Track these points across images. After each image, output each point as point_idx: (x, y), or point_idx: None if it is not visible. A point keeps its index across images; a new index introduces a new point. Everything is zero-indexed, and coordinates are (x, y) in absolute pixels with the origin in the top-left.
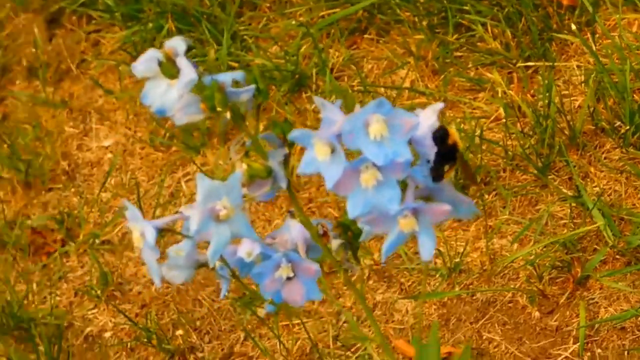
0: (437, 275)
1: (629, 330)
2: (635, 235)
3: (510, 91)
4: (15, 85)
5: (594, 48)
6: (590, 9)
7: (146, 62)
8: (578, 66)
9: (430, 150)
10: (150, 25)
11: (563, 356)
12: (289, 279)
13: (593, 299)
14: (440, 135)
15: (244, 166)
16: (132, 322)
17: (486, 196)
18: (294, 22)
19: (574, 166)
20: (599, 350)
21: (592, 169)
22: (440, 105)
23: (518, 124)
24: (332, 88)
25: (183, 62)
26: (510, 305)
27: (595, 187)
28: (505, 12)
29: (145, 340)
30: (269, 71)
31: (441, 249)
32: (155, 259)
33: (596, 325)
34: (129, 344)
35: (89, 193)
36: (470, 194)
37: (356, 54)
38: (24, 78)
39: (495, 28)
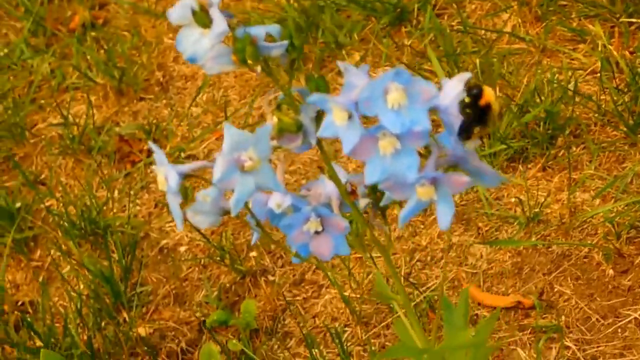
0: (515, 223)
1: None
2: None
3: (610, 46)
4: None
5: None
6: None
7: (181, 10)
8: None
9: (456, 120)
10: None
11: (632, 317)
12: (317, 232)
13: None
14: (475, 95)
15: (275, 119)
16: (207, 240)
17: (574, 148)
18: None
19: None
20: None
21: None
22: (467, 75)
23: (614, 80)
24: (432, 25)
25: (216, 13)
26: (585, 260)
27: None
28: None
29: (219, 258)
30: (371, 2)
31: (522, 197)
32: (177, 203)
33: None
34: (202, 261)
35: (180, 106)
36: (557, 145)
37: None
38: None
39: None
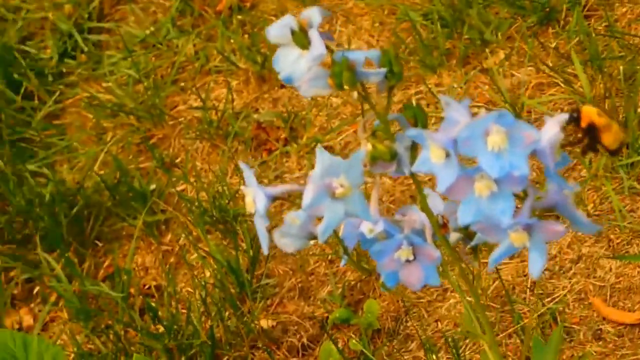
0: None
1: None
2: None
3: None
4: None
5: None
6: None
7: (280, 29)
8: None
9: (551, 162)
10: None
11: None
12: (408, 261)
13: None
14: (574, 118)
15: (369, 146)
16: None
17: None
18: None
19: None
20: None
21: None
22: (565, 116)
23: None
24: (578, 28)
25: (314, 35)
26: None
27: None
28: None
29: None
30: (520, 0)
31: None
32: (264, 227)
33: None
34: (329, 256)
35: (320, 96)
36: None
37: None
38: None
39: None
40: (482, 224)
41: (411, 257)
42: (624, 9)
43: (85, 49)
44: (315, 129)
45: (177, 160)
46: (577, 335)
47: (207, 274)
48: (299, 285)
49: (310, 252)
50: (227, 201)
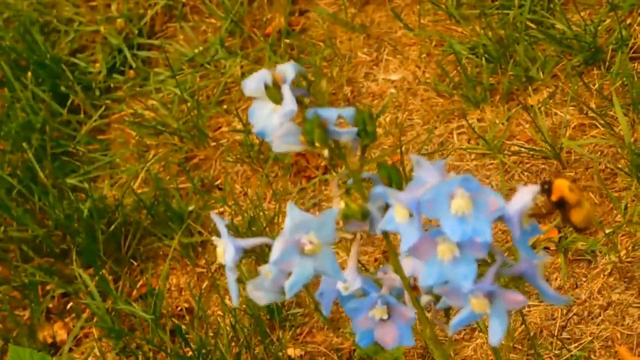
0: None
1: None
2: None
3: None
4: (321, 0)
5: None
6: None
7: (256, 82)
8: None
9: (517, 231)
10: None
11: None
12: (382, 320)
13: None
14: (545, 190)
15: (342, 204)
16: (365, 269)
17: None
18: None
19: None
20: None
21: None
22: (536, 187)
23: None
24: (622, 70)
25: (287, 91)
26: None
27: None
28: None
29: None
30: (568, 39)
31: None
32: (234, 278)
33: None
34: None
35: None
36: None
37: None
38: None
39: None
40: (444, 288)
41: (385, 317)
42: None
43: (134, 65)
44: (355, 159)
45: (217, 183)
46: None
47: (240, 298)
48: (330, 315)
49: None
50: (263, 226)
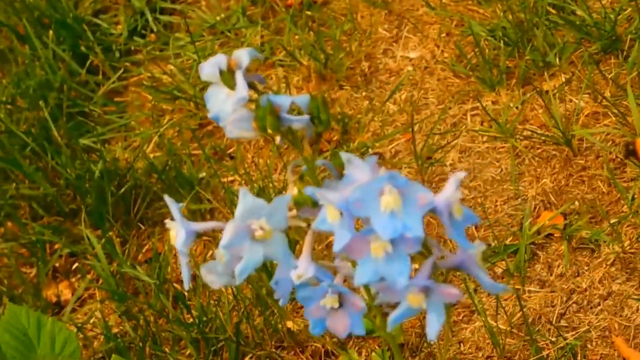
0: None
1: None
2: None
3: None
4: None
5: None
6: None
7: (211, 67)
8: None
9: (447, 221)
10: None
11: None
12: (334, 309)
13: None
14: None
15: (295, 190)
16: None
17: None
18: None
19: None
20: None
21: None
22: (462, 174)
23: None
24: (639, 60)
25: (239, 78)
26: None
27: None
28: None
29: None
30: (588, 26)
31: None
32: (185, 261)
33: None
34: None
35: (379, 101)
36: None
37: None
38: None
39: None
40: (381, 284)
41: (337, 305)
42: None
43: (155, 28)
44: (369, 134)
45: (229, 151)
46: None
47: None
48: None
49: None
50: (271, 198)
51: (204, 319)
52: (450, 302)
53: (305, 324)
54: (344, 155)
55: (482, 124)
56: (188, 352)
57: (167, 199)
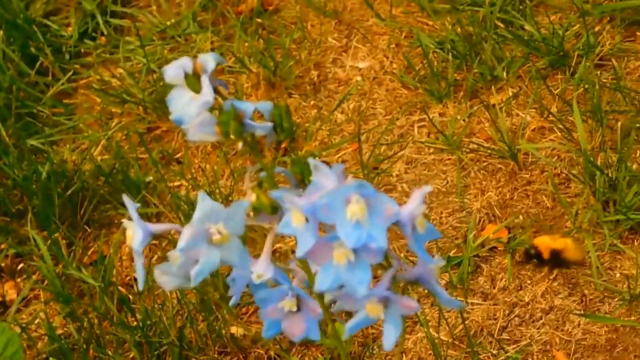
0: (618, 299)
1: None
2: None
3: None
4: None
5: None
6: None
7: (176, 70)
8: None
9: (411, 235)
10: None
11: None
12: (291, 312)
13: None
14: (534, 255)
15: (253, 196)
16: None
17: None
18: None
19: None
20: None
21: None
22: (428, 188)
23: None
24: (585, 77)
25: (205, 82)
26: None
27: None
28: None
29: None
30: (536, 41)
31: (631, 272)
32: (141, 262)
33: None
34: None
35: (327, 110)
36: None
37: (630, 47)
38: None
39: None
40: (340, 292)
41: (295, 309)
42: (638, 63)
43: (106, 31)
44: (316, 143)
45: (177, 156)
46: None
47: None
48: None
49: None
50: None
51: (148, 322)
52: (408, 314)
53: (256, 329)
54: (311, 162)
55: (428, 136)
56: (132, 355)
57: (126, 199)
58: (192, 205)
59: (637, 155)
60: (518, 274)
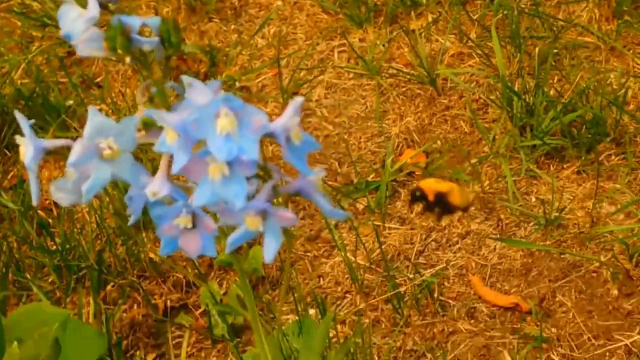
0: (533, 223)
1: None
2: None
3: None
4: None
5: None
6: None
7: None
8: None
9: (285, 146)
10: None
11: (624, 343)
12: (187, 229)
13: None
14: (419, 197)
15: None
16: None
17: (613, 158)
18: None
19: None
20: None
21: None
22: (300, 100)
23: None
24: (503, 3)
25: None
26: (593, 275)
27: None
28: None
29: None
30: None
31: (547, 197)
32: (34, 178)
33: None
34: None
35: (247, 34)
36: (598, 150)
37: None
38: None
39: None
40: (219, 207)
41: (190, 226)
42: None
43: None
44: (237, 68)
45: (97, 80)
46: (450, 311)
47: (107, 198)
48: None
49: None
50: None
51: (67, 246)
52: (287, 226)
53: (168, 255)
54: (185, 79)
55: (348, 61)
56: (51, 279)
57: (18, 115)
58: None
59: (555, 81)
60: None
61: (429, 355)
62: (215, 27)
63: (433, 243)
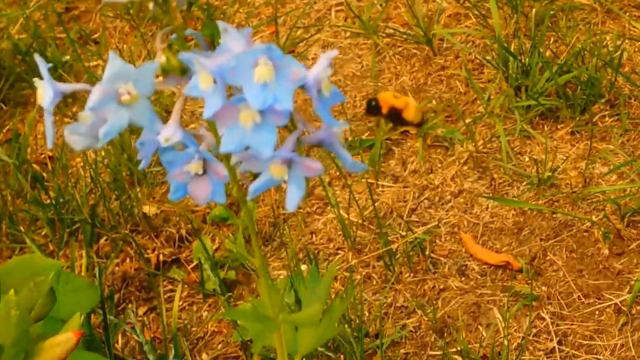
0: (526, 183)
1: None
2: None
3: None
4: None
5: None
6: None
7: None
8: None
9: (316, 96)
10: None
11: (613, 302)
12: (197, 175)
13: None
14: (374, 107)
15: (163, 58)
16: None
17: (607, 119)
18: None
19: None
20: None
21: None
22: (334, 52)
23: None
24: None
25: None
26: (584, 234)
27: None
28: None
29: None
30: None
31: (541, 157)
32: (50, 121)
33: None
34: None
35: None
36: (592, 111)
37: None
38: None
39: None
40: (245, 153)
41: (200, 172)
42: None
43: None
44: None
45: (94, 36)
46: (442, 268)
47: (102, 152)
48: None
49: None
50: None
51: (61, 200)
52: (311, 176)
53: (161, 210)
54: (220, 25)
55: (345, 20)
56: (44, 232)
57: (37, 58)
58: None
59: (550, 42)
60: (429, 158)
61: (419, 312)
62: None
63: (426, 201)
